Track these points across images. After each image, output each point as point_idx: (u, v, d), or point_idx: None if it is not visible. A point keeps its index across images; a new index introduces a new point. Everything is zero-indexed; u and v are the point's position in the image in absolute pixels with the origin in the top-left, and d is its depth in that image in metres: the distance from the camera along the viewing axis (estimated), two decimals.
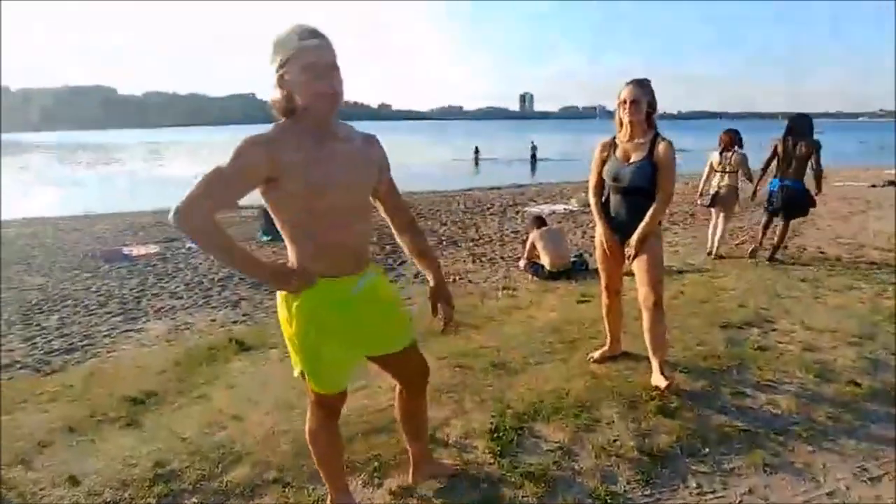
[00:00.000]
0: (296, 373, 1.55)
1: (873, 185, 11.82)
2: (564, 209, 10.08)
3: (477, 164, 26.05)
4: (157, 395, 2.76)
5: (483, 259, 6.28)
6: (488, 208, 10.48)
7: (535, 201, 11.40)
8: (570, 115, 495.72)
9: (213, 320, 4.58)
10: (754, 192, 5.45)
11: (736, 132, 5.50)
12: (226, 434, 2.34)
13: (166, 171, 25.52)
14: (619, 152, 2.60)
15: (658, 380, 2.59)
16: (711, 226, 5.63)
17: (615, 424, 2.34)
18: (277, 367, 3.02)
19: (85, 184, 21.98)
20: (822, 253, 5.79)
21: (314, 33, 1.29)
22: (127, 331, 4.38)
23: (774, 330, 3.43)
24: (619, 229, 2.65)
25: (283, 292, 1.45)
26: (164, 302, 5.21)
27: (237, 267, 1.39)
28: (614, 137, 2.65)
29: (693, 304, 3.96)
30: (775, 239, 5.23)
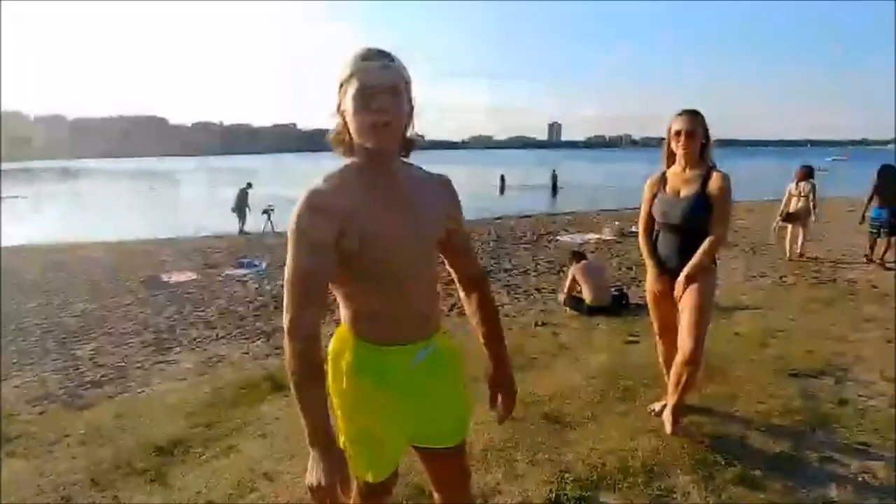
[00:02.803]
0: (339, 442, 1.24)
1: None
2: (597, 238, 9.71)
3: (502, 191, 26.21)
4: (184, 444, 2.51)
5: (518, 291, 5.95)
6: (520, 237, 10.15)
7: (566, 230, 11.03)
8: (597, 144, 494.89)
9: (246, 353, 4.37)
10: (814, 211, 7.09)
11: (810, 168, 7.17)
12: (257, 498, 2.06)
13: (206, 197, 26.21)
14: (668, 187, 2.34)
15: (666, 417, 2.42)
16: (789, 237, 7.09)
17: (692, 496, 1.98)
18: None
19: (132, 209, 22.66)
20: (874, 287, 5.40)
21: (379, 54, 1.05)
22: (159, 362, 4.20)
23: (850, 381, 3.01)
24: (671, 271, 2.35)
25: (335, 345, 1.20)
26: (198, 331, 5.05)
27: (302, 412, 1.05)
28: (664, 172, 2.39)
29: (753, 349, 3.55)
30: (884, 252, 6.50)
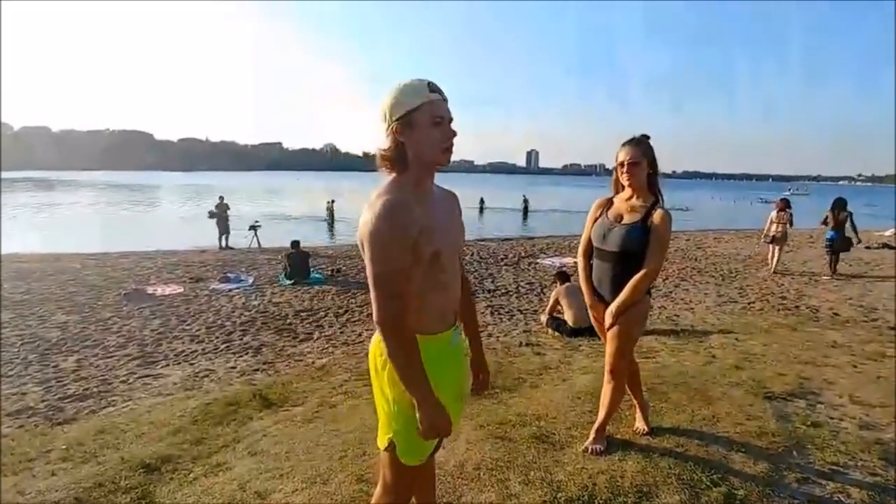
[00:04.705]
0: (383, 444, 1.30)
1: (867, 247, 11.59)
2: (574, 262, 9.85)
3: (482, 212, 26.88)
4: (171, 461, 2.38)
5: (502, 311, 5.96)
6: (502, 259, 10.23)
7: (545, 253, 11.17)
8: (572, 171, 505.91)
9: (233, 367, 4.24)
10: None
11: (787, 201, 9.01)
12: None
13: (195, 211, 25.68)
14: (611, 211, 2.22)
15: (589, 441, 2.43)
16: (770, 255, 8.86)
17: None
18: (304, 430, 2.66)
19: (115, 222, 22.01)
20: (836, 314, 5.60)
21: (438, 88, 1.22)
22: (144, 376, 4.04)
23: (821, 403, 3.07)
24: (602, 299, 2.28)
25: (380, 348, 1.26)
26: (184, 345, 4.88)
27: (409, 384, 1.19)
28: (611, 197, 2.29)
29: (729, 371, 3.60)
30: (832, 265, 8.23)
